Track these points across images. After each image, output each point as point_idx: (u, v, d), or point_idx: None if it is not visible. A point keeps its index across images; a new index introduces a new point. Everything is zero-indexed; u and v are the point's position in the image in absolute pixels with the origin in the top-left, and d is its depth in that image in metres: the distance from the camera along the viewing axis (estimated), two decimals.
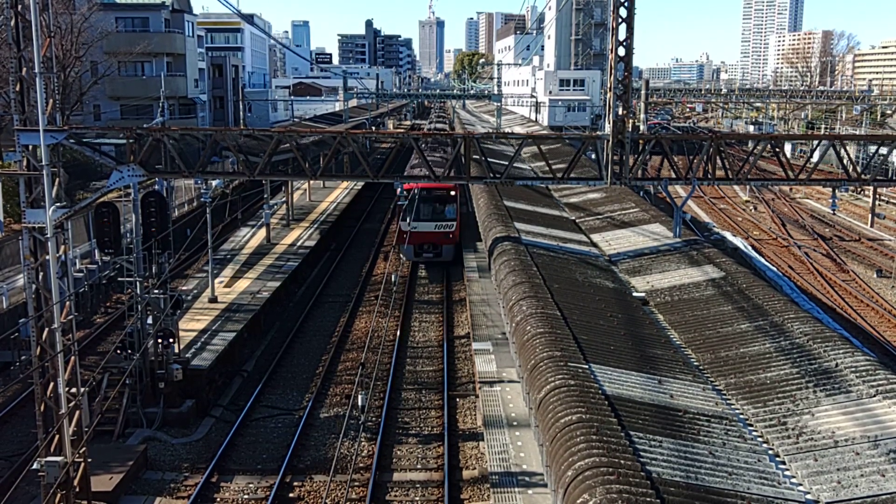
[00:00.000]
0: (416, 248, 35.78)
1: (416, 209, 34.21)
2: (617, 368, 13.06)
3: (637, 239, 24.57)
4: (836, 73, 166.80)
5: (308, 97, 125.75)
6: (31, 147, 15.36)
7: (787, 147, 76.05)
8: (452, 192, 35.45)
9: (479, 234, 29.53)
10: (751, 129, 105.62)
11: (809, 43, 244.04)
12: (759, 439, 11.12)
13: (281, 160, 34.58)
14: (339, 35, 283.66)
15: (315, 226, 40.53)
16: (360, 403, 12.22)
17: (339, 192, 50.70)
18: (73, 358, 15.74)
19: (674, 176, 21.69)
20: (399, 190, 31.96)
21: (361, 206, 52.38)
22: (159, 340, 20.59)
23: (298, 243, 36.66)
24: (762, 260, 30.46)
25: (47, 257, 15.17)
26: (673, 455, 10.03)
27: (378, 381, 23.68)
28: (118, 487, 17.11)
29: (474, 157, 21.38)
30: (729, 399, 12.57)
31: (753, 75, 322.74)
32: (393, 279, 29.96)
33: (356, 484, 17.95)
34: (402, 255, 38.06)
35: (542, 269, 19.19)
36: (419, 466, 18.87)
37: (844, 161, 21.20)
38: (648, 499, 8.64)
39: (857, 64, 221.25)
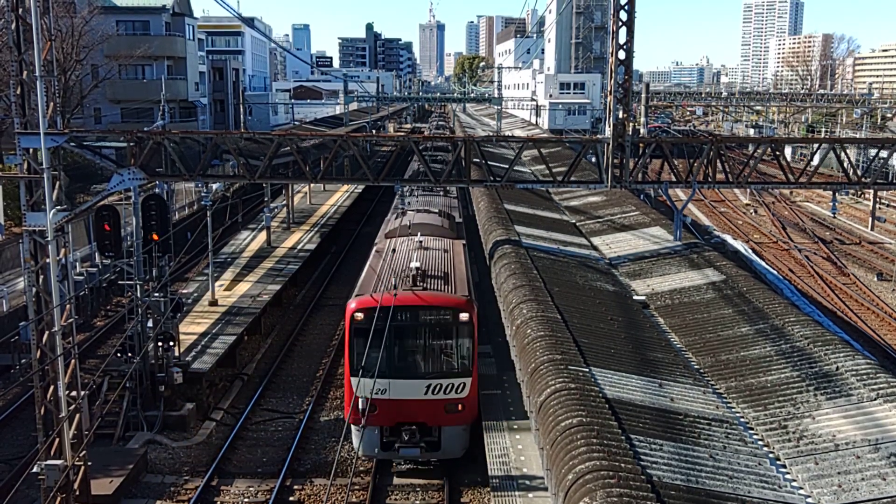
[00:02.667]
0: (385, 434, 17.77)
1: (383, 350, 17.02)
2: (617, 372, 13.04)
3: (637, 242, 24.56)
4: (837, 76, 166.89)
5: (308, 100, 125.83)
6: (31, 150, 15.37)
7: (788, 150, 76.02)
8: (464, 314, 17.57)
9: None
10: (751, 132, 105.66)
11: (809, 46, 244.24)
12: (760, 443, 11.11)
13: (281, 163, 34.48)
14: (339, 38, 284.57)
15: (315, 229, 40.54)
16: (360, 406, 12.20)
17: (340, 196, 50.73)
18: (73, 361, 15.73)
19: (674, 179, 21.68)
20: (398, 193, 31.18)
21: (362, 210, 52.43)
22: (159, 344, 20.59)
23: (299, 246, 36.66)
24: (762, 263, 30.47)
25: (47, 260, 15.17)
26: (673, 458, 10.01)
27: None
28: (118, 491, 17.10)
29: (474, 160, 21.36)
30: (729, 402, 12.55)
31: (754, 78, 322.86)
32: None
33: (356, 487, 17.92)
34: (355, 447, 19.01)
35: (542, 272, 19.17)
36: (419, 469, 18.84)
37: (845, 164, 21.19)
38: (649, 502, 8.62)
39: (857, 67, 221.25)
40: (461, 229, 26.18)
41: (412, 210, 26.11)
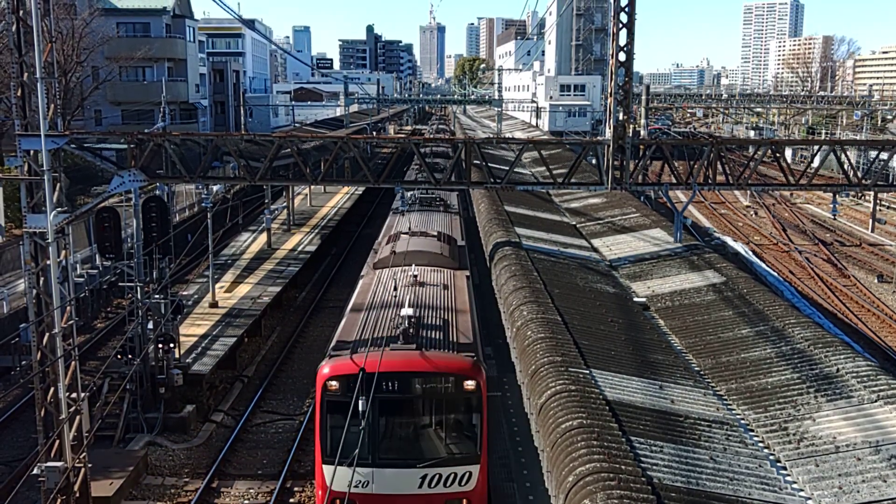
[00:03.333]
0: None
1: (366, 430, 13.61)
2: (618, 374, 13.03)
3: (638, 244, 24.55)
4: (837, 78, 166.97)
5: (309, 102, 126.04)
6: (32, 152, 15.37)
7: (788, 152, 76.09)
8: (469, 382, 14.02)
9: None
10: (751, 134, 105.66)
11: (810, 48, 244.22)
12: (761, 444, 11.10)
13: (282, 165, 34.49)
14: (340, 40, 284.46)
15: (316, 231, 40.56)
16: (360, 409, 12.16)
17: (340, 197, 50.76)
18: (73, 363, 15.72)
19: (674, 181, 21.68)
20: (399, 195, 30.91)
21: (362, 211, 52.45)
22: (160, 345, 20.60)
23: (299, 248, 36.68)
24: (763, 265, 30.47)
25: (48, 262, 15.17)
26: (674, 460, 10.01)
27: None
28: (118, 493, 17.10)
29: (475, 162, 21.34)
30: (730, 404, 12.55)
31: (754, 80, 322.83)
32: None
33: None
34: None
35: (542, 274, 19.17)
36: None
37: (845, 166, 21.19)
38: None
39: (857, 69, 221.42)
40: (464, 256, 22.71)
41: (406, 233, 22.60)
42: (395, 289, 17.35)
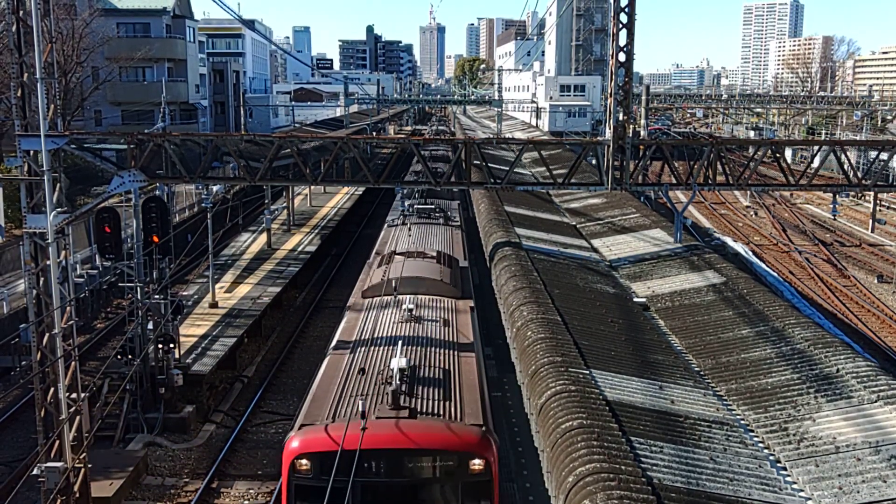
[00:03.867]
0: None
1: None
2: (618, 374, 13.03)
3: (638, 244, 24.55)
4: (837, 78, 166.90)
5: (309, 102, 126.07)
6: (32, 152, 15.37)
7: (788, 152, 76.11)
8: (476, 462, 11.13)
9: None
10: (751, 134, 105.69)
11: (810, 48, 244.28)
12: (760, 445, 11.10)
13: (282, 165, 34.45)
14: (340, 41, 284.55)
15: (316, 231, 40.56)
16: (360, 409, 12.15)
17: (340, 198, 50.77)
18: (73, 363, 15.72)
19: (674, 181, 21.69)
20: (399, 195, 30.92)
21: (362, 211, 52.44)
22: (160, 346, 20.60)
23: (299, 248, 36.68)
24: (763, 265, 30.45)
25: (48, 262, 15.17)
26: (674, 461, 10.00)
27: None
28: (118, 493, 17.11)
29: (475, 162, 21.33)
30: (730, 404, 12.54)
31: (754, 80, 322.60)
32: None
33: None
34: None
35: (542, 274, 19.16)
36: None
37: (845, 166, 21.19)
38: None
39: (857, 69, 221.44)
40: (467, 280, 19.69)
41: (402, 254, 20.08)
42: (386, 329, 14.81)
